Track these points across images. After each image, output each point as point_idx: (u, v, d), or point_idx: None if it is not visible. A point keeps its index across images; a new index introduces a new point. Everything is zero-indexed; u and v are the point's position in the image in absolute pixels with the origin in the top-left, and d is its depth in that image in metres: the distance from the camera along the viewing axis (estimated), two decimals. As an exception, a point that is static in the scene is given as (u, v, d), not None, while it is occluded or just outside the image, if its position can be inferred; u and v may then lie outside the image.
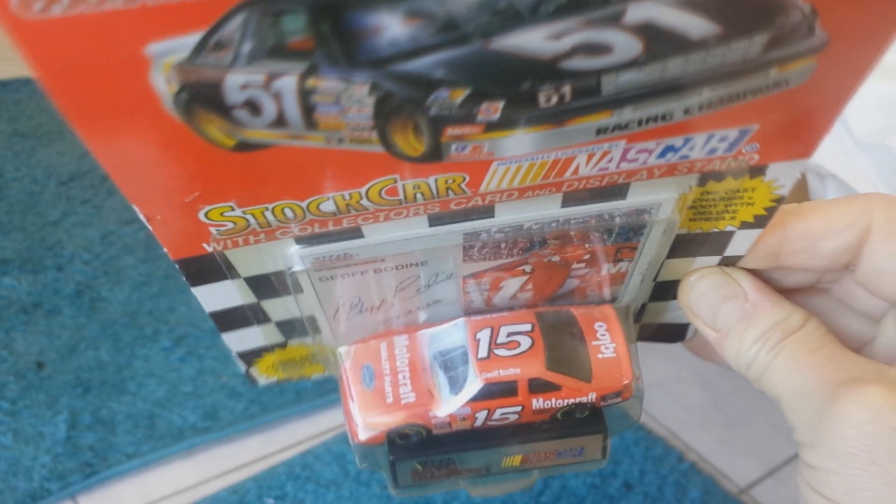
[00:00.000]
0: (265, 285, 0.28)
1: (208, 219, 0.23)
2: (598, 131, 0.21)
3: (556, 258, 0.29)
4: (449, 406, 0.29)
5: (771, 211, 0.26)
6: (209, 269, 0.26)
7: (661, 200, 0.26)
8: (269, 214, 0.24)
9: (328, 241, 0.26)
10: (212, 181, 0.22)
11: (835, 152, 0.46)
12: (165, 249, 0.25)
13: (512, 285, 0.30)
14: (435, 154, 0.21)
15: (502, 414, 0.29)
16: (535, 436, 0.30)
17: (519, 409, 0.29)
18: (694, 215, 0.27)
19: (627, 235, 0.28)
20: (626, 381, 0.30)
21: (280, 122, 0.19)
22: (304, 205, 0.23)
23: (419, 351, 0.31)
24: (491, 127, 0.20)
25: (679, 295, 0.30)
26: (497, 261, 0.28)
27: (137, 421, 0.82)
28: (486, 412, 0.29)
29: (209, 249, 0.25)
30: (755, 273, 0.29)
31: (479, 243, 0.27)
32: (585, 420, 0.30)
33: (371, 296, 0.30)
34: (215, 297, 0.28)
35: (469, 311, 0.31)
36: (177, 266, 0.26)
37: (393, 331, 0.32)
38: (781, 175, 0.25)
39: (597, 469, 0.31)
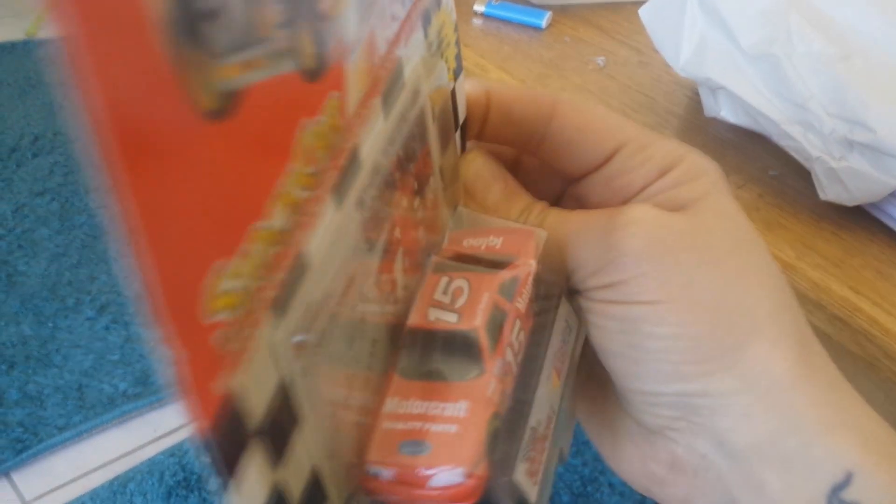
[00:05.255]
0: (276, 433, 0.19)
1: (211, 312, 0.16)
2: None
3: (404, 202, 0.25)
4: (488, 373, 0.24)
5: (457, 45, 0.29)
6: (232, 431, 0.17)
7: (419, 74, 0.26)
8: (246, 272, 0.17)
9: (292, 296, 0.19)
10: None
11: (724, 65, 0.46)
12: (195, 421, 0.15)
13: (399, 269, 0.25)
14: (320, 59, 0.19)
15: (516, 340, 0.25)
16: (541, 339, 0.27)
17: (516, 319, 0.25)
18: (435, 82, 0.27)
19: (421, 137, 0.26)
20: (533, 237, 0.28)
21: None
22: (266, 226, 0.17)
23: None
24: None
25: (461, 171, 0.31)
26: (382, 234, 0.24)
27: (66, 393, 0.81)
28: (508, 347, 0.25)
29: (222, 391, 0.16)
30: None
31: (366, 212, 0.22)
32: (549, 296, 0.28)
33: (354, 373, 0.23)
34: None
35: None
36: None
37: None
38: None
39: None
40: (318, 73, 0.19)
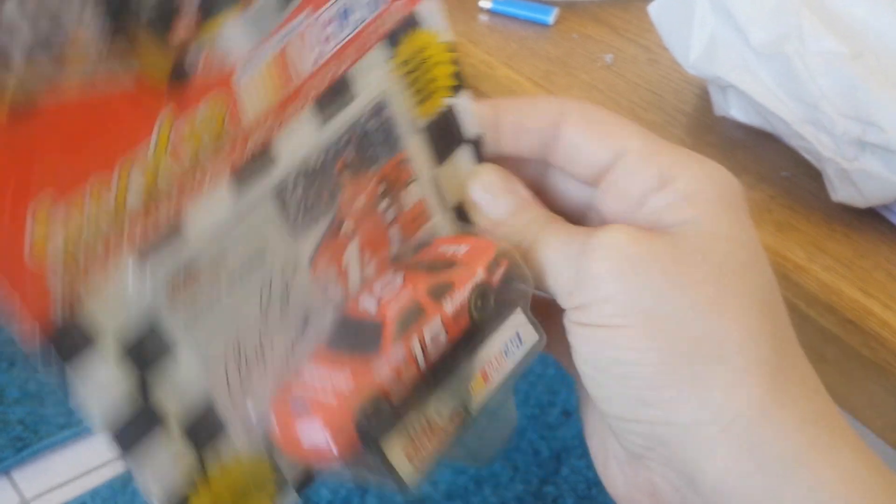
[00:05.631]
0: (138, 348, 0.24)
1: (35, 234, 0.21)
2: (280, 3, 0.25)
3: (361, 200, 0.29)
4: (383, 358, 0.27)
5: (456, 63, 0.30)
6: (69, 338, 0.22)
7: (376, 86, 0.29)
8: (88, 210, 0.22)
9: (161, 249, 0.24)
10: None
11: (734, 64, 0.45)
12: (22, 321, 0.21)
13: (352, 260, 0.29)
14: (179, 70, 0.23)
15: (431, 337, 0.27)
16: (473, 343, 0.29)
17: (438, 319, 0.28)
18: (416, 96, 0.30)
19: (390, 145, 0.29)
20: (494, 249, 0.29)
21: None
22: (112, 190, 0.22)
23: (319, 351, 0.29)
24: (202, 14, 0.23)
25: (468, 190, 0.31)
26: (319, 224, 0.28)
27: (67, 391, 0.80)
28: (417, 341, 0.27)
29: (58, 315, 0.22)
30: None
31: (290, 200, 0.27)
32: (499, 305, 0.29)
33: (245, 332, 0.26)
34: (95, 386, 0.23)
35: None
36: (41, 356, 0.22)
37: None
38: (430, 18, 0.29)
39: (538, 357, 0.30)
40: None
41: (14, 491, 0.73)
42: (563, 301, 0.28)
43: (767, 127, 0.46)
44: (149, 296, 0.24)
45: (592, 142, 0.29)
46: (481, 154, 0.32)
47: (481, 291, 0.28)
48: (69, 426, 0.78)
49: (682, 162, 0.28)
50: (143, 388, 0.24)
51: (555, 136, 0.29)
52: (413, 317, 0.27)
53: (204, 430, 0.26)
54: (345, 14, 0.27)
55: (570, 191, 0.31)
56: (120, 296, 0.23)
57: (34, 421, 0.78)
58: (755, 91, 0.44)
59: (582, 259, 0.27)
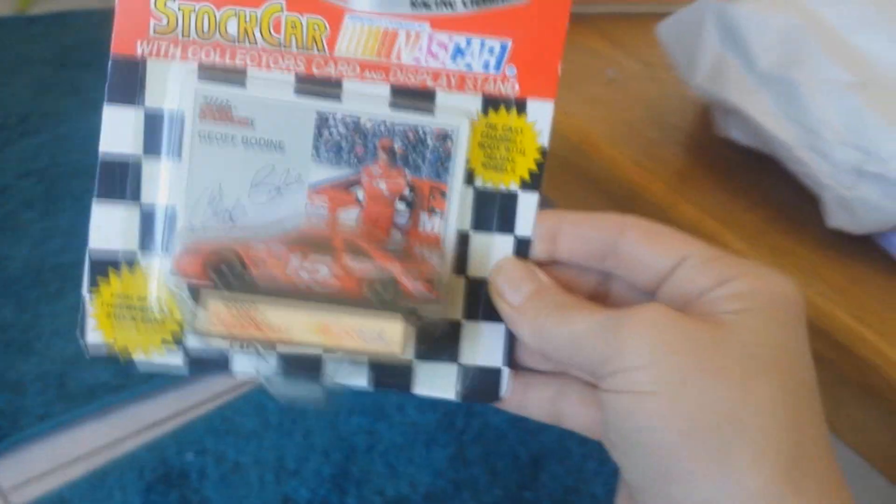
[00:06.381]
0: (156, 130, 0.32)
1: (156, 7, 0.31)
2: (413, 4, 0.31)
3: (383, 185, 0.32)
4: (271, 243, 0.31)
5: (540, 168, 0.33)
6: (128, 82, 0.31)
7: (458, 123, 0.32)
8: (193, 17, 0.31)
9: (220, 82, 0.31)
10: None
11: (738, 86, 0.46)
12: (113, 43, 0.31)
13: (349, 216, 0.32)
14: None
15: (316, 266, 0.31)
16: (344, 304, 0.32)
17: (329, 260, 0.31)
18: (485, 158, 0.33)
19: (437, 170, 0.32)
20: (433, 273, 0.32)
21: None
22: (218, 15, 0.31)
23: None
24: None
25: (490, 280, 0.33)
26: (337, 169, 0.32)
27: (47, 381, 0.79)
28: (300, 256, 0.31)
29: (139, 52, 0.31)
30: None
31: (326, 132, 0.32)
32: (392, 302, 0.32)
33: (231, 185, 0.32)
34: (116, 128, 0.31)
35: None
36: (110, 68, 0.31)
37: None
38: (538, 116, 0.32)
39: (396, 361, 0.33)
40: None
41: (-10, 481, 0.72)
42: (596, 369, 0.29)
43: (767, 150, 0.46)
44: (189, 93, 0.31)
45: (653, 250, 0.30)
46: (523, 252, 0.33)
47: (387, 281, 0.32)
48: (49, 417, 0.77)
49: (742, 266, 0.29)
50: (140, 161, 0.32)
51: (615, 245, 0.31)
52: (321, 248, 0.31)
53: (153, 232, 0.32)
54: (458, 51, 0.32)
55: (630, 297, 0.33)
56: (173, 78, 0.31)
57: (13, 411, 0.77)
58: (757, 114, 0.45)
59: (619, 330, 0.28)
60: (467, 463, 0.78)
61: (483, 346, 0.34)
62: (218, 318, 0.31)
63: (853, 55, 0.43)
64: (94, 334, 0.33)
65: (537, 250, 0.33)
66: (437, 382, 0.34)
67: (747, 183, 0.49)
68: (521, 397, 0.34)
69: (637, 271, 0.31)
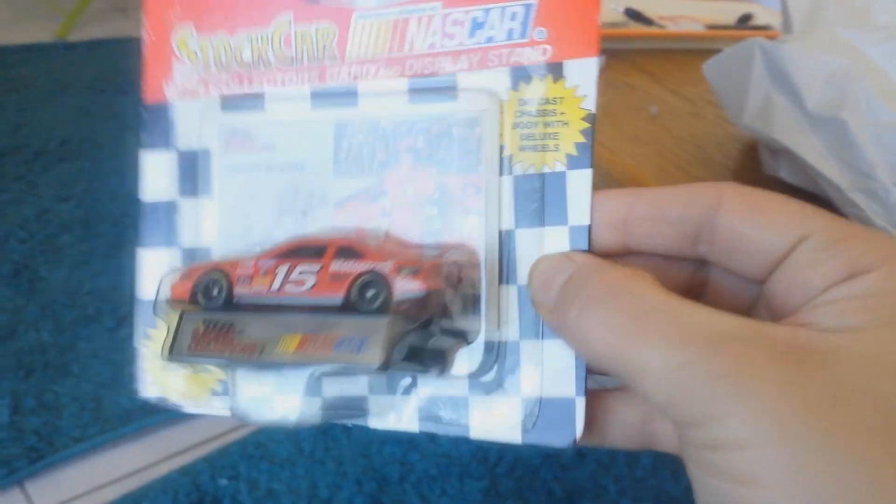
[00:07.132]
0: (190, 169, 0.32)
1: (177, 49, 0.32)
2: None
3: (410, 189, 0.29)
4: (256, 260, 0.30)
5: (589, 137, 0.27)
6: (160, 126, 0.32)
7: (484, 105, 0.29)
8: (211, 51, 0.31)
9: (241, 110, 0.31)
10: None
11: (788, 126, 0.46)
12: (143, 90, 0.32)
13: (376, 233, 0.30)
14: None
15: (301, 273, 0.28)
16: (326, 312, 0.28)
17: (317, 267, 0.28)
18: (521, 140, 0.28)
19: (467, 163, 0.29)
20: (437, 283, 0.28)
21: None
22: (233, 43, 0.31)
23: None
24: None
25: (528, 282, 0.28)
26: (360, 179, 0.30)
27: (83, 403, 0.80)
28: (287, 266, 0.29)
29: (167, 95, 0.32)
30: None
31: (346, 142, 0.30)
32: (375, 308, 0.28)
33: (260, 216, 0.31)
34: (154, 172, 0.32)
35: None
36: (143, 116, 0.32)
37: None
38: (580, 79, 0.28)
39: (376, 375, 0.29)
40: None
41: (26, 501, 0.72)
42: (679, 424, 0.23)
43: (818, 191, 0.46)
44: (212, 125, 0.32)
45: (761, 228, 0.24)
46: (581, 245, 0.28)
47: (371, 280, 0.28)
48: (84, 439, 0.78)
49: (878, 250, 0.23)
50: (176, 202, 0.32)
51: (710, 224, 0.25)
52: (314, 256, 0.29)
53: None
54: (476, 25, 0.29)
55: (731, 292, 0.27)
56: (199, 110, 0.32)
57: (49, 432, 0.78)
58: (808, 154, 0.45)
59: (710, 387, 0.21)
60: (500, 497, 0.78)
61: (549, 372, 0.28)
62: (196, 339, 0.30)
63: (906, 97, 0.43)
64: (152, 388, 0.33)
65: (602, 240, 0.27)
66: (496, 423, 0.28)
67: (794, 222, 0.49)
68: (601, 429, 0.28)
69: (739, 256, 0.25)
